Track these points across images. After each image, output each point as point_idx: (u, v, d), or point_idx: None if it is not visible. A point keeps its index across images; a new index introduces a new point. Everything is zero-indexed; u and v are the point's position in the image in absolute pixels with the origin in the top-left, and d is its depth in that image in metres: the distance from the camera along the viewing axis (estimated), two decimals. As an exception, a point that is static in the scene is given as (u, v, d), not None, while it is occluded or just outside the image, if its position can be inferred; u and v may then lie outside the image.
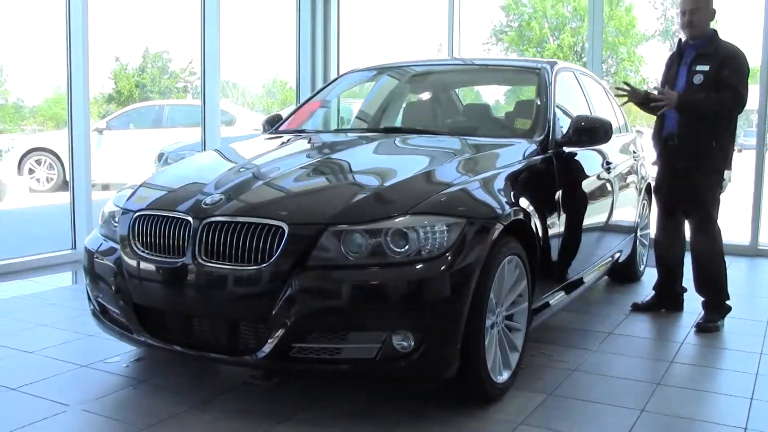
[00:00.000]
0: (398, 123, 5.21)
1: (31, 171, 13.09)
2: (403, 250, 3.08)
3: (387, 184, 3.43)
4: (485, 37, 34.21)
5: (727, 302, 5.00)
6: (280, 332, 3.06)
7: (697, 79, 4.80)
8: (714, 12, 4.91)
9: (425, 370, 3.18)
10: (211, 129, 8.16)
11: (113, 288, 3.51)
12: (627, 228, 5.77)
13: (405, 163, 3.84)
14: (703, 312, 5.03)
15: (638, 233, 6.17)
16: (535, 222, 3.76)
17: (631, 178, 5.76)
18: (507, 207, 3.50)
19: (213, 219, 3.22)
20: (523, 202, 3.69)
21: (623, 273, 6.15)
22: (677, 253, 5.24)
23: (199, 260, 3.18)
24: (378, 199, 3.28)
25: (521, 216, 3.61)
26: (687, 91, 4.83)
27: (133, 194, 3.72)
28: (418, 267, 3.07)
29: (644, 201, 6.27)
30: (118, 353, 4.07)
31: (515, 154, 4.04)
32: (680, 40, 5.07)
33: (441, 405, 3.47)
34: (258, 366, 3.19)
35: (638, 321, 5.12)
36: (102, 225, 3.81)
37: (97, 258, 3.69)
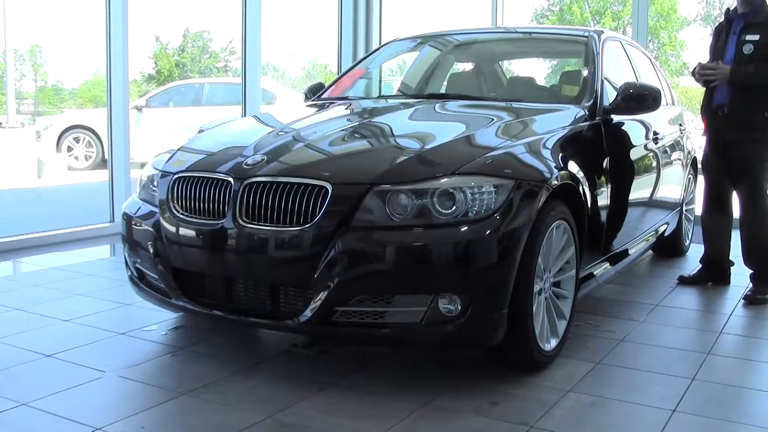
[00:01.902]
0: (442, 91, 5.12)
1: (69, 149, 13.14)
2: (449, 211, 3.00)
3: (432, 145, 3.35)
4: (527, 20, 33.93)
5: (777, 275, 4.87)
6: (322, 295, 2.99)
7: (747, 48, 4.67)
8: None
9: (472, 334, 3.10)
10: (252, 107, 8.12)
11: (152, 252, 3.46)
12: (673, 202, 5.64)
13: (450, 127, 3.77)
14: (751, 284, 4.91)
15: (684, 208, 6.03)
16: (583, 188, 3.66)
17: (677, 152, 5.63)
18: (555, 170, 3.40)
19: (254, 179, 3.15)
20: (572, 167, 3.59)
21: (668, 248, 6.03)
22: (725, 226, 5.12)
23: (240, 222, 3.12)
24: (423, 160, 3.20)
25: (570, 180, 3.51)
26: (736, 60, 4.70)
27: (171, 157, 3.67)
28: (464, 229, 2.99)
29: (690, 176, 6.13)
30: (157, 321, 4.02)
31: (563, 119, 3.95)
32: (728, 9, 4.93)
33: (488, 372, 3.39)
34: (300, 330, 3.14)
35: (685, 293, 5.00)
36: (141, 189, 3.77)
37: (135, 222, 3.64)
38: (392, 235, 2.98)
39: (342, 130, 3.62)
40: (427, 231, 2.98)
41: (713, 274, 5.21)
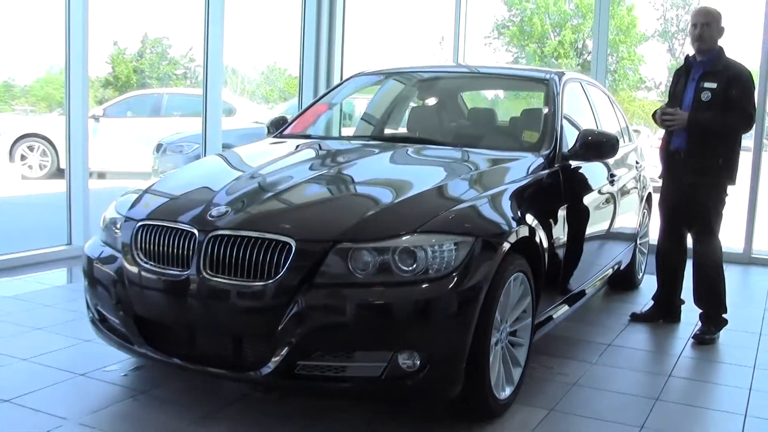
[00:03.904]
0: (404, 130, 5.19)
1: (23, 157, 12.95)
2: (410, 268, 3.07)
3: (394, 200, 3.42)
4: (488, 30, 34.17)
5: (724, 315, 5.02)
6: (285, 349, 3.04)
7: (705, 96, 4.82)
8: (723, 29, 4.94)
9: (431, 389, 3.17)
10: (213, 120, 8.06)
11: (114, 298, 3.48)
12: (628, 238, 5.79)
13: (412, 178, 3.82)
14: (700, 324, 5.06)
15: (638, 241, 6.18)
16: (541, 238, 3.75)
17: (633, 188, 5.77)
18: (514, 224, 3.49)
19: (218, 232, 3.19)
20: (530, 219, 3.68)
21: (622, 281, 6.15)
22: (678, 265, 5.28)
23: (204, 274, 3.15)
24: (386, 216, 3.26)
25: (528, 233, 3.60)
26: (695, 107, 4.85)
27: (135, 202, 3.67)
28: (425, 286, 3.05)
29: (644, 210, 6.28)
30: (117, 361, 4.02)
31: (522, 168, 4.03)
32: (687, 55, 5.08)
33: (443, 421, 3.46)
34: (262, 382, 3.18)
35: (637, 332, 5.13)
36: (103, 231, 3.77)
37: (97, 266, 3.65)
38: (354, 293, 3.04)
39: (308, 179, 3.67)
40: (389, 289, 3.05)
41: (665, 312, 5.35)
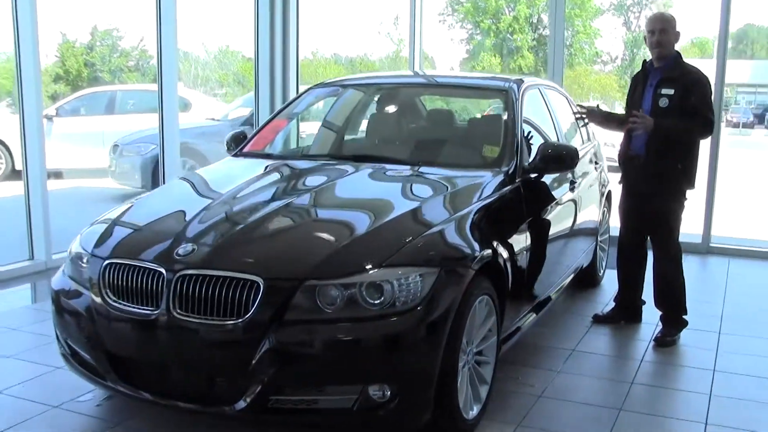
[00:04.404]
0: (363, 145, 5.21)
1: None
2: (378, 302, 3.13)
3: (359, 232, 3.47)
4: (442, 7, 34.19)
5: (685, 317, 5.15)
6: (258, 385, 3.09)
7: (663, 102, 4.91)
8: (678, 34, 5.01)
9: (402, 417, 3.24)
10: (169, 116, 8.00)
11: (84, 335, 3.49)
12: (590, 238, 5.91)
13: (376, 205, 3.86)
14: (661, 326, 5.18)
15: (598, 239, 6.29)
16: (504, 259, 3.82)
17: (593, 189, 5.88)
18: (478, 250, 3.55)
19: (186, 272, 3.21)
20: (494, 240, 3.75)
21: (584, 279, 6.26)
22: (639, 268, 5.40)
23: (175, 314, 3.18)
24: (351, 250, 3.31)
25: (493, 256, 3.67)
26: (652, 113, 4.93)
27: (101, 238, 3.67)
28: (393, 320, 3.12)
29: (604, 208, 6.39)
30: (89, 390, 4.00)
31: (484, 189, 4.08)
32: (645, 60, 5.16)
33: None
34: (236, 417, 3.21)
35: (600, 334, 5.25)
36: (69, 265, 3.75)
37: (65, 300, 3.65)
38: (324, 329, 3.10)
39: (270, 212, 3.68)
40: (357, 324, 3.11)
41: (626, 313, 5.47)
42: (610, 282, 6.43)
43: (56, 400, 3.94)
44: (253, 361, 3.08)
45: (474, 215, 3.76)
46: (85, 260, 3.62)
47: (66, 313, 3.66)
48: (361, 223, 3.58)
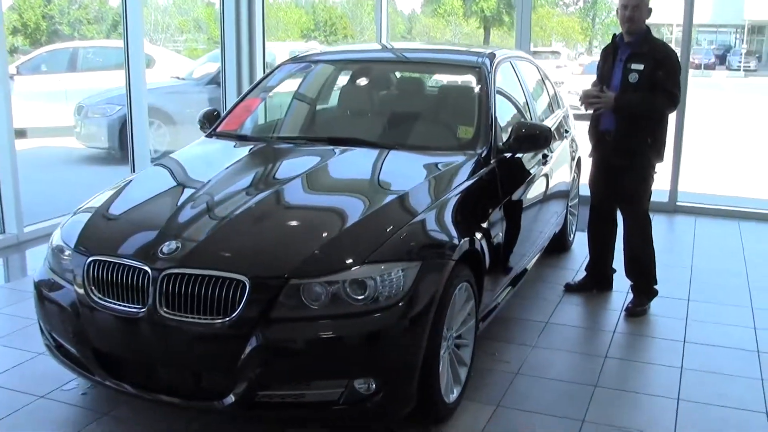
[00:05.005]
0: (337, 125, 5.18)
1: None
2: (361, 297, 3.18)
3: (341, 227, 3.51)
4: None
5: (655, 286, 5.27)
6: (245, 381, 3.15)
7: (633, 77, 4.96)
8: (651, 10, 5.05)
9: (387, 408, 3.33)
10: (136, 73, 7.89)
11: (70, 330, 3.51)
12: (562, 205, 6.01)
13: (357, 195, 3.92)
14: (632, 296, 5.30)
15: (568, 204, 6.38)
16: (482, 244, 3.89)
17: (564, 158, 5.95)
18: (458, 240, 3.61)
19: (172, 271, 3.24)
20: (472, 227, 3.82)
21: (555, 244, 6.32)
22: (609, 239, 5.50)
23: (161, 312, 3.21)
24: (334, 246, 3.35)
25: (472, 244, 3.73)
26: (622, 88, 4.99)
27: (84, 233, 3.67)
28: (377, 315, 3.18)
29: (574, 174, 6.47)
30: (73, 377, 3.99)
31: (460, 173, 4.13)
32: (615, 35, 5.18)
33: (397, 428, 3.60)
34: (224, 412, 3.28)
35: (572, 305, 5.38)
36: (51, 259, 3.75)
37: (48, 294, 3.66)
38: (309, 326, 3.16)
39: (252, 205, 3.69)
40: (342, 321, 3.17)
41: (597, 281, 5.60)
42: (579, 246, 6.56)
43: (41, 390, 3.95)
44: (241, 358, 3.13)
45: (452, 203, 3.82)
46: (66, 254, 3.63)
47: (49, 306, 3.67)
48: (343, 215, 3.62)
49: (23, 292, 5.49)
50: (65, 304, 3.53)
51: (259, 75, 9.34)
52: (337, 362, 3.20)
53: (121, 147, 9.96)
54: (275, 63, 10.52)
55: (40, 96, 11.83)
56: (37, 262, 6.02)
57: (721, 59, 46.37)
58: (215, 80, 10.14)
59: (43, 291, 3.71)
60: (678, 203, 8.23)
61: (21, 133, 11.38)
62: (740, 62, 44.65)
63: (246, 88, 9.16)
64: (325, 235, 3.42)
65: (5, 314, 5.04)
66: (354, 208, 3.69)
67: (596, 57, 33.73)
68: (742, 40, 48.41)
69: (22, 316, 4.86)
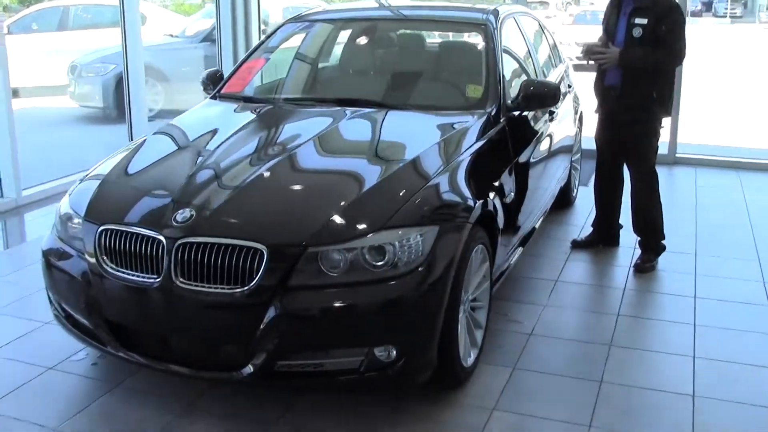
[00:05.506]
0: (343, 85, 5.10)
1: None
2: (381, 263, 3.13)
3: (358, 193, 3.44)
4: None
5: (663, 242, 5.24)
6: (264, 351, 3.10)
7: (636, 32, 4.88)
8: None
9: (409, 374, 3.29)
10: (132, 31, 7.75)
11: (81, 301, 3.45)
12: (566, 161, 5.96)
13: (370, 159, 3.87)
14: (640, 252, 5.28)
15: (572, 159, 6.33)
16: (496, 205, 3.84)
17: (568, 113, 5.89)
18: (474, 202, 3.56)
19: (187, 239, 3.17)
20: (487, 189, 3.77)
21: (559, 199, 6.28)
22: (615, 195, 5.47)
23: (177, 283, 3.15)
24: (351, 212, 3.28)
25: (487, 206, 3.68)
26: (627, 43, 4.92)
27: (94, 201, 3.59)
28: (396, 281, 3.13)
29: (577, 128, 6.41)
30: (83, 347, 3.92)
31: (472, 132, 4.07)
32: None
33: (415, 397, 3.57)
34: (243, 382, 3.24)
35: (580, 261, 5.35)
36: (59, 227, 3.68)
37: (57, 264, 3.59)
38: (328, 294, 3.10)
39: (264, 170, 3.62)
40: (361, 288, 3.12)
41: (604, 237, 5.57)
42: (582, 201, 6.53)
43: (51, 361, 3.88)
44: (260, 327, 3.08)
45: (466, 165, 3.76)
46: (75, 221, 3.56)
47: (58, 275, 3.60)
48: (358, 180, 3.56)
49: (24, 258, 5.44)
50: (75, 274, 3.47)
51: (255, 31, 9.20)
52: (357, 330, 3.15)
53: (116, 106, 9.82)
54: (268, 20, 10.42)
55: (32, 55, 11.64)
56: (35, 227, 6.07)
57: (708, 6, 46.19)
58: (209, 37, 9.99)
59: (51, 260, 3.64)
60: (677, 155, 8.19)
61: (14, 93, 11.25)
62: (726, 9, 44.56)
63: (241, 45, 9.02)
64: (341, 200, 3.35)
65: (7, 282, 4.95)
66: (369, 173, 3.63)
67: (585, 7, 33.40)
68: (728, -13, 48.31)
69: (25, 284, 4.78)
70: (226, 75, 5.09)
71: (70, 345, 3.94)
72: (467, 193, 3.60)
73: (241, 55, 8.89)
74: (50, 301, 3.78)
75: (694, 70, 15.47)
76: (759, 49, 27.72)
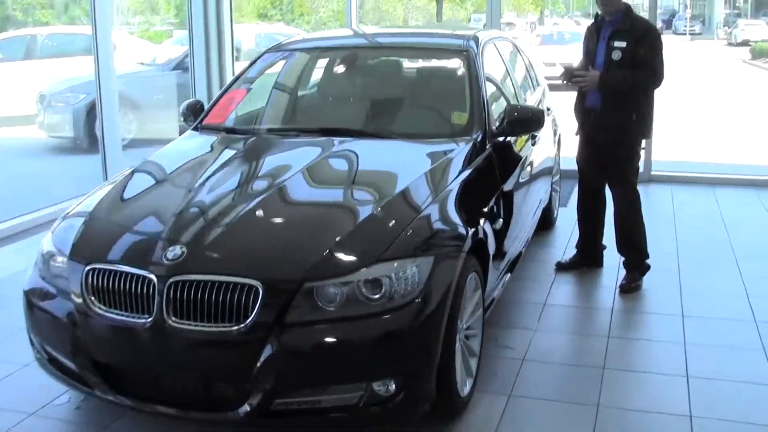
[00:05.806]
0: (326, 115, 5.03)
1: None
2: (377, 296, 3.08)
3: (351, 225, 3.40)
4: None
5: (647, 261, 5.25)
6: (261, 391, 3.02)
7: (616, 55, 4.93)
8: None
9: (409, 407, 3.23)
10: (105, 59, 7.53)
11: (68, 343, 3.33)
12: (548, 184, 5.98)
13: (362, 192, 3.82)
14: (625, 272, 5.28)
15: (552, 181, 6.33)
16: (487, 232, 3.81)
17: (548, 136, 5.89)
18: (466, 230, 3.53)
19: (179, 278, 3.09)
20: (478, 216, 3.74)
21: (540, 221, 6.26)
22: (598, 216, 5.47)
23: (169, 322, 3.06)
24: (346, 246, 3.22)
25: (479, 234, 3.65)
26: (606, 66, 4.97)
27: (78, 237, 3.49)
28: (393, 314, 3.08)
29: (556, 150, 6.43)
30: (64, 390, 3.77)
31: (461, 162, 4.04)
32: (597, 14, 5.16)
33: (413, 430, 3.49)
34: (240, 422, 3.14)
35: (566, 284, 5.34)
36: (41, 266, 3.57)
37: (41, 305, 3.48)
38: (326, 329, 3.04)
39: (254, 205, 3.54)
40: (358, 322, 3.06)
41: (588, 258, 5.56)
42: (563, 222, 6.54)
43: (31, 406, 3.71)
44: (257, 365, 3.00)
45: (457, 194, 3.73)
46: (60, 261, 3.46)
47: (41, 316, 3.49)
48: (351, 212, 3.52)
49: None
50: (60, 315, 3.36)
51: (228, 58, 9.11)
52: (356, 364, 3.09)
53: (87, 136, 9.68)
54: (241, 47, 10.36)
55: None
56: (7, 263, 5.88)
57: (668, 24, 46.88)
58: (181, 65, 9.88)
59: (33, 300, 3.53)
60: (653, 172, 8.24)
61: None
62: (686, 26, 45.37)
63: (215, 73, 8.94)
64: (334, 234, 3.28)
65: (-18, 316, 4.76)
66: (361, 204, 3.58)
67: (550, 27, 33.73)
68: (686, 5, 49.13)
69: (2, 323, 4.63)
70: (206, 105, 5.02)
71: (51, 388, 3.77)
72: (460, 222, 3.57)
73: (215, 83, 8.82)
74: (32, 343, 3.65)
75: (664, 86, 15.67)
76: (718, 63, 28.26)
